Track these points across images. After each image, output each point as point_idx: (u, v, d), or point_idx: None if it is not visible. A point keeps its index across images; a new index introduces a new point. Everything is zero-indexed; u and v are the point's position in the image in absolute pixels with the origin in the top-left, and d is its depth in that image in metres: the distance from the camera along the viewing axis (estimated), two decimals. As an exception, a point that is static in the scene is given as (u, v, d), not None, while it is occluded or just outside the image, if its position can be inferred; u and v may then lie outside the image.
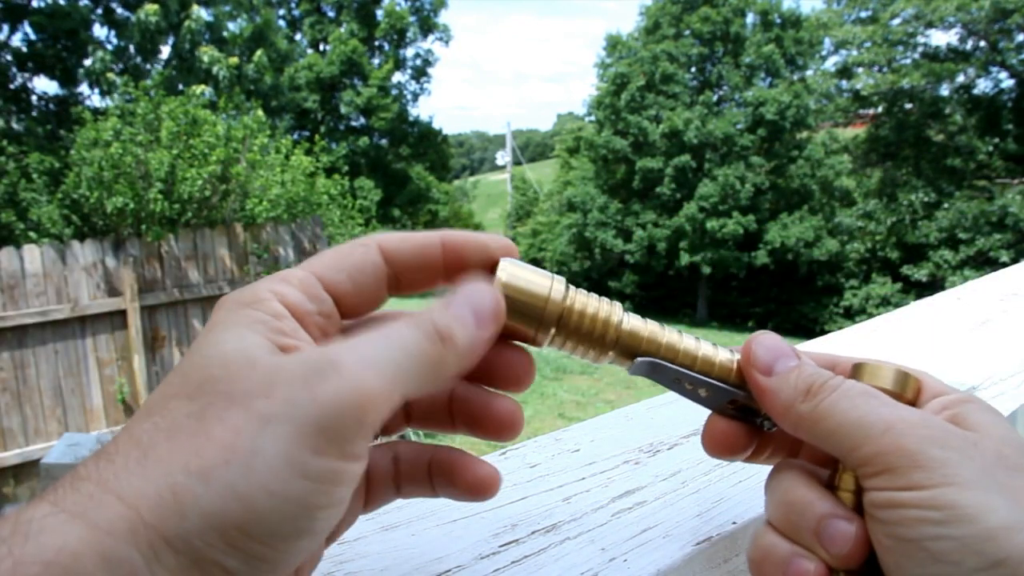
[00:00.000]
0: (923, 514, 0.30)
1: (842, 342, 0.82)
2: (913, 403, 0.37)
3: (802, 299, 18.78)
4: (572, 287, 0.38)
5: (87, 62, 10.07)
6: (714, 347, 0.39)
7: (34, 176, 7.24)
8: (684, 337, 0.39)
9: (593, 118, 21.17)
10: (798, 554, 0.35)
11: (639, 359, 0.38)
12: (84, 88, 10.60)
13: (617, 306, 0.38)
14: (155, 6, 9.95)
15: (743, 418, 0.40)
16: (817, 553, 0.34)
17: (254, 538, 0.26)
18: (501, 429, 0.37)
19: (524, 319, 0.36)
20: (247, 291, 0.32)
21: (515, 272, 0.36)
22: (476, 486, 0.36)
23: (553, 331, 0.36)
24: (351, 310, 0.35)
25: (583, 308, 0.37)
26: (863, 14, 18.95)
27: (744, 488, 0.50)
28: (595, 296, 0.38)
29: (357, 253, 0.35)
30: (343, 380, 0.27)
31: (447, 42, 20.61)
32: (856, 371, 0.38)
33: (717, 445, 0.40)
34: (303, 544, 0.27)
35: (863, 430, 0.33)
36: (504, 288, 0.35)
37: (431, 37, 20.28)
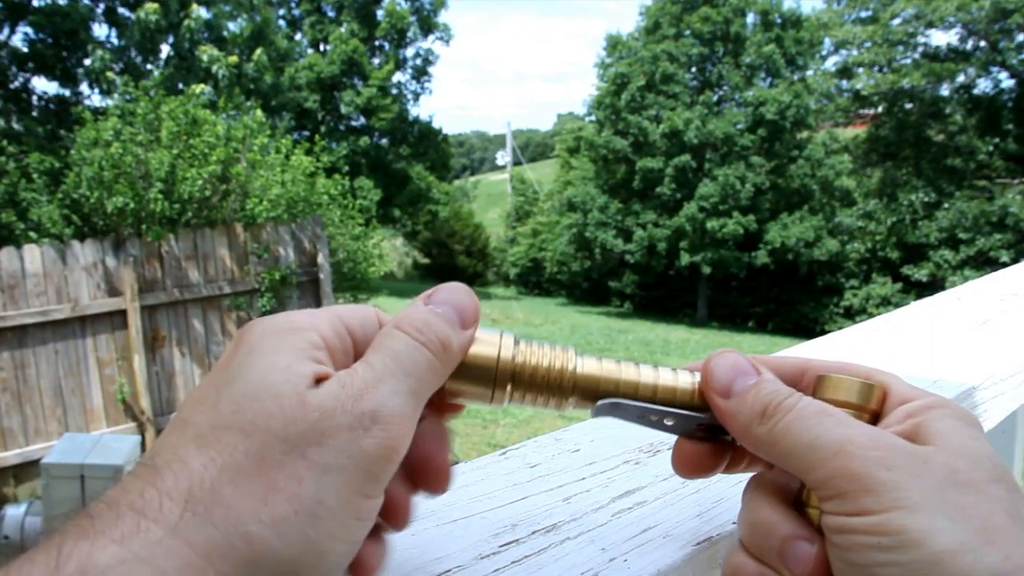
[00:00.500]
0: (872, 540, 0.30)
1: (842, 342, 0.82)
2: (878, 412, 0.37)
3: (802, 299, 18.78)
4: (523, 341, 0.38)
5: (87, 62, 10.07)
6: (674, 372, 0.39)
7: (34, 176, 7.24)
8: (642, 369, 0.39)
9: (593, 118, 21.18)
10: (765, 575, 0.35)
11: (600, 402, 0.38)
12: (84, 88, 10.61)
13: (571, 351, 0.38)
14: (155, 5, 9.95)
15: (713, 438, 0.40)
16: (782, 574, 0.34)
17: None
18: (392, 522, 0.35)
19: (479, 380, 0.36)
20: (287, 318, 0.34)
21: None
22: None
23: (509, 387, 0.37)
24: (359, 356, 0.37)
25: (536, 361, 0.37)
26: (863, 14, 18.96)
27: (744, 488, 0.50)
28: (547, 345, 0.38)
29: (363, 309, 0.37)
30: (382, 431, 0.30)
31: (447, 41, 20.61)
32: (818, 384, 0.38)
33: (687, 467, 0.40)
34: (342, 571, 0.31)
35: (816, 453, 0.33)
36: None
37: (431, 36, 20.27)
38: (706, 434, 0.40)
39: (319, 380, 0.31)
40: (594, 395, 0.38)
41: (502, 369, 0.36)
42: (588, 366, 0.38)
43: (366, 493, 0.30)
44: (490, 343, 0.36)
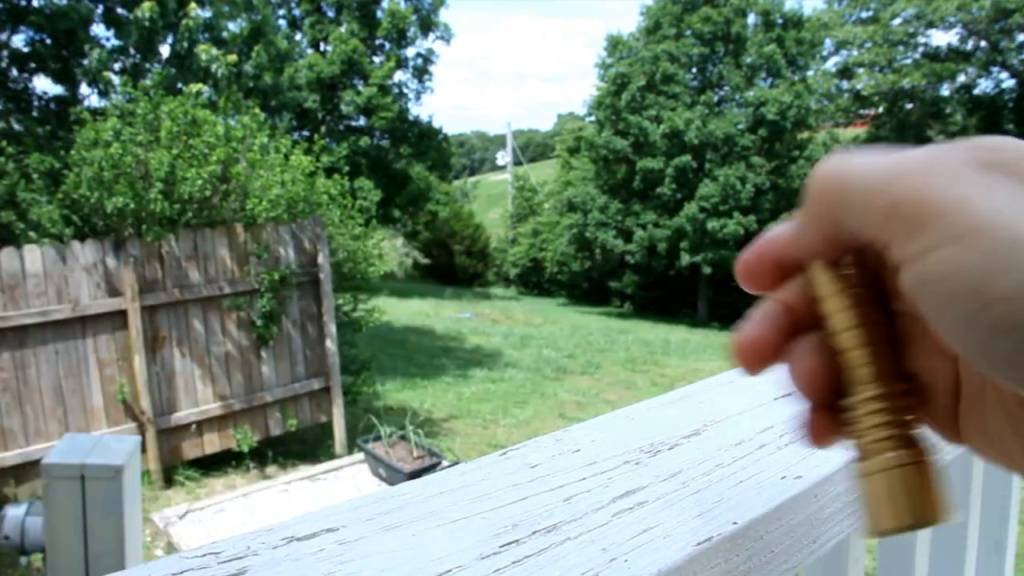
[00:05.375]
0: (965, 277, 0.23)
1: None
2: None
3: (802, 299, 18.78)
4: None
5: (85, 62, 10.08)
6: None
7: (34, 176, 7.24)
8: None
9: (593, 118, 21.19)
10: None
11: None
12: (84, 88, 10.61)
13: None
14: (152, 3, 9.95)
15: None
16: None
17: None
18: None
19: None
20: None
21: None
22: None
23: None
24: None
25: None
26: (864, 14, 18.96)
27: (745, 488, 0.50)
28: None
29: None
30: None
31: (448, 40, 20.60)
32: None
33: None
34: None
35: (873, 184, 0.26)
36: None
37: (431, 36, 20.28)
38: None
39: None
40: None
41: None
42: None
43: None
44: None
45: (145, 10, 9.89)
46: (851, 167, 0.28)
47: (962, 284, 0.23)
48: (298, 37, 19.82)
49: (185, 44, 10.54)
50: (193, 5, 10.59)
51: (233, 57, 10.74)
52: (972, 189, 0.24)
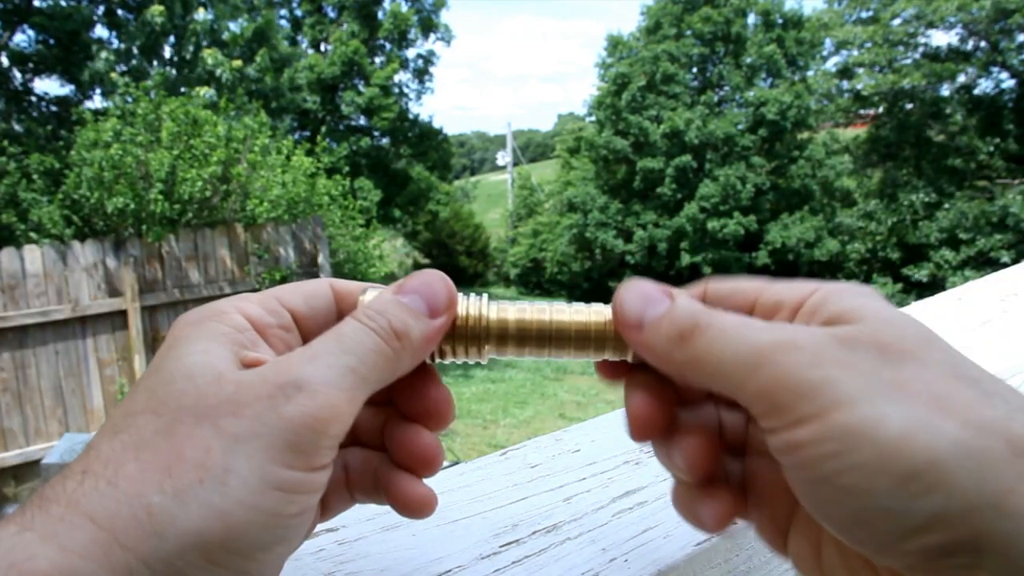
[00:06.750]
0: (820, 450, 0.27)
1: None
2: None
3: (803, 299, 18.75)
4: None
5: (92, 63, 10.07)
6: (588, 308, 0.36)
7: (35, 177, 7.24)
8: (552, 312, 0.36)
9: (594, 118, 21.18)
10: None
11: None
12: (87, 89, 10.60)
13: (484, 299, 0.36)
14: (160, 7, 9.96)
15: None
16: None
17: (235, 552, 0.27)
18: (418, 464, 0.36)
19: None
20: (209, 307, 0.34)
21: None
22: (410, 505, 0.35)
23: None
24: (309, 333, 0.35)
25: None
26: (864, 14, 18.94)
27: (744, 488, 0.50)
28: (461, 295, 0.36)
29: (311, 283, 0.37)
30: (307, 399, 0.29)
31: (448, 42, 20.59)
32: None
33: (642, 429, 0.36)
34: (280, 551, 0.29)
35: (742, 367, 0.30)
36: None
37: (432, 37, 20.26)
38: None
39: (249, 366, 0.31)
40: (508, 339, 0.36)
41: None
42: (503, 312, 0.36)
43: (286, 463, 0.28)
44: None
45: (154, 12, 9.90)
46: (713, 333, 0.31)
47: (819, 453, 0.27)
48: (298, 38, 19.81)
49: (191, 48, 10.54)
50: (201, 10, 10.60)
51: (238, 62, 10.74)
52: (832, 371, 0.28)
